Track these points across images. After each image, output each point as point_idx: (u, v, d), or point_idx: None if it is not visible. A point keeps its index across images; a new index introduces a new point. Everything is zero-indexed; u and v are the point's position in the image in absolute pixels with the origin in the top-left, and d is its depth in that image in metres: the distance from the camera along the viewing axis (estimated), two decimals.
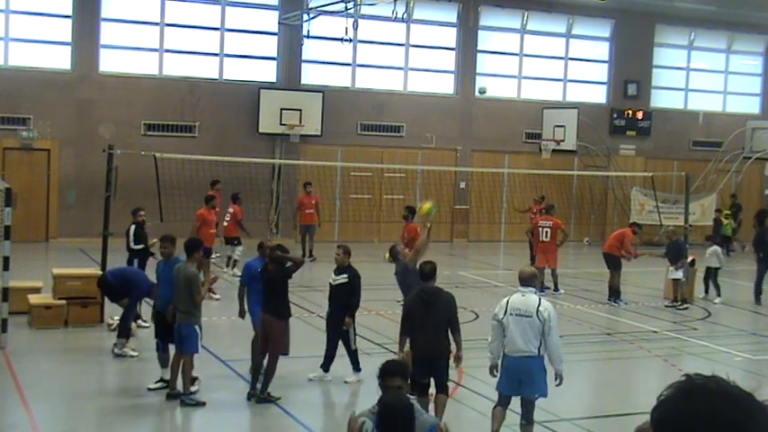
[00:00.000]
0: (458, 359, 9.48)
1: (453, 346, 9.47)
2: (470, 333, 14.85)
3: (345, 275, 11.30)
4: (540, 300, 8.85)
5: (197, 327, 10.71)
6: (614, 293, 18.35)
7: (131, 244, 14.68)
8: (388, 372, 6.02)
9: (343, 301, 11.29)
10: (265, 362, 10.54)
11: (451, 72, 28.62)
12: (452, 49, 28.51)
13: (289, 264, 10.82)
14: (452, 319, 9.38)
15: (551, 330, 8.65)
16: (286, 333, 10.74)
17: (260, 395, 10.48)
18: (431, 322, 9.24)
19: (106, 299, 13.83)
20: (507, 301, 8.89)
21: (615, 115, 30.40)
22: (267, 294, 10.78)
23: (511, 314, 8.77)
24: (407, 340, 9.44)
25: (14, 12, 23.86)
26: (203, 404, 10.53)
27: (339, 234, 26.82)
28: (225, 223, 19.44)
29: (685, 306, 17.83)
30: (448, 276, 21.12)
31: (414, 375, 9.20)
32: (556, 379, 8.87)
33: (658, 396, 2.20)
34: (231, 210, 19.66)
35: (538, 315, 8.67)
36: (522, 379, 8.80)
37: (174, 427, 10.70)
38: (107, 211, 14.67)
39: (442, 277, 20.27)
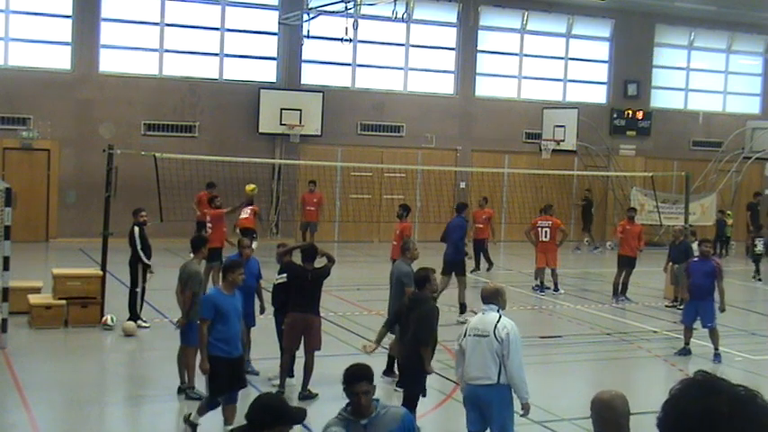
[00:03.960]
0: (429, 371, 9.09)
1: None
2: None
3: (285, 275, 11.24)
4: (499, 317, 7.79)
5: (199, 321, 10.78)
6: (617, 292, 18.39)
7: (139, 247, 14.41)
8: (353, 376, 5.69)
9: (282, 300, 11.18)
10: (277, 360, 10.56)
11: (451, 72, 28.62)
12: (452, 49, 28.52)
13: (328, 263, 11.04)
14: (426, 332, 8.90)
15: (511, 353, 7.56)
16: (320, 329, 10.94)
17: (302, 392, 10.63)
18: (408, 329, 8.96)
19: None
20: (468, 323, 8.04)
21: (615, 115, 30.40)
22: (302, 294, 10.77)
23: (469, 335, 7.81)
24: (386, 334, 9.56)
25: (14, 12, 23.86)
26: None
27: (339, 234, 26.83)
28: (245, 215, 19.31)
29: (681, 306, 17.81)
30: None
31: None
32: (522, 409, 7.83)
33: (670, 389, 2.23)
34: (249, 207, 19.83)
35: (495, 334, 7.64)
36: (483, 411, 7.80)
37: (174, 426, 10.69)
38: (107, 211, 14.66)
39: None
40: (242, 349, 9.37)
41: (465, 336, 7.84)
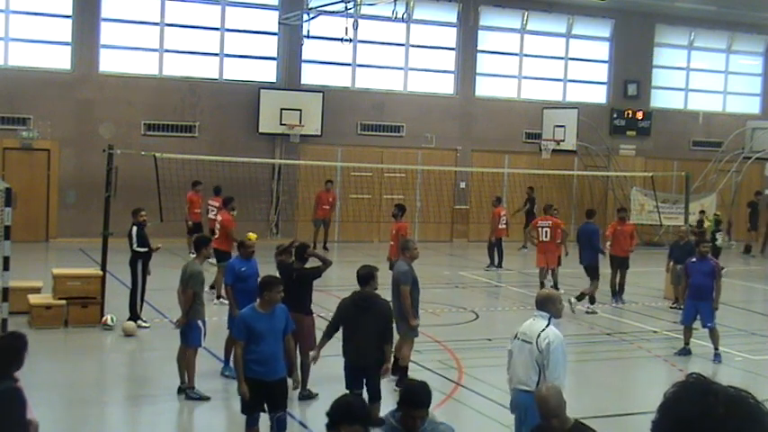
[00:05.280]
0: (386, 371, 9.16)
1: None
2: (471, 333, 14.90)
3: None
4: (546, 326, 7.61)
5: (199, 321, 10.83)
6: (615, 292, 18.38)
7: (134, 246, 14.48)
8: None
9: None
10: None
11: (451, 72, 28.61)
12: (452, 49, 28.51)
13: (320, 265, 11.07)
14: (386, 329, 8.98)
15: (551, 364, 7.39)
16: (313, 328, 10.88)
17: (301, 392, 10.56)
18: (363, 330, 8.89)
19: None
20: (520, 326, 7.97)
21: (615, 115, 30.39)
22: (293, 293, 10.77)
23: (517, 339, 7.78)
24: (326, 343, 9.39)
25: (14, 12, 23.85)
26: (208, 399, 10.58)
27: (339, 234, 26.83)
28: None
29: (681, 307, 17.79)
30: (448, 276, 21.15)
31: (347, 385, 9.07)
32: None
33: (665, 393, 2.24)
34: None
35: (537, 343, 7.50)
36: (522, 418, 7.66)
37: (174, 426, 10.70)
38: (107, 211, 14.67)
39: (443, 277, 20.50)
40: (280, 372, 8.56)
41: (515, 338, 7.80)
